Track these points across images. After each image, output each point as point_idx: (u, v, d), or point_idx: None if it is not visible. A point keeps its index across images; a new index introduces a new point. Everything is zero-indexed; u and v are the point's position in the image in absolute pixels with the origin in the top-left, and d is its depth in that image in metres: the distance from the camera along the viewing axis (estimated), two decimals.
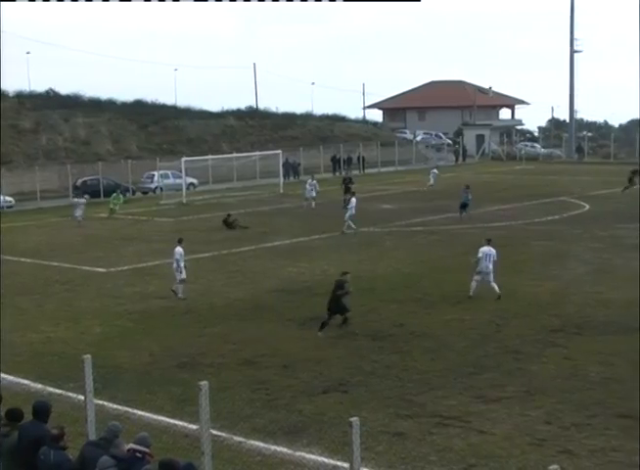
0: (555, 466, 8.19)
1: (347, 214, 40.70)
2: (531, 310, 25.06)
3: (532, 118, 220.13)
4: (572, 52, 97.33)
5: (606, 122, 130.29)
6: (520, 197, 54.20)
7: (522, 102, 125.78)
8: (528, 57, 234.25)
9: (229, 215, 44.46)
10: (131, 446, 9.93)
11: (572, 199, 53.40)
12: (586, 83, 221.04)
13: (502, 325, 23.51)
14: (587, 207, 49.73)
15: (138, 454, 9.78)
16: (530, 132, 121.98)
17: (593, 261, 32.72)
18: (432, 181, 61.74)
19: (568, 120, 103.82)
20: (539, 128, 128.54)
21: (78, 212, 47.19)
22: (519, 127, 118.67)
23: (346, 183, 53.12)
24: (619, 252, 34.52)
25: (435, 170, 64.42)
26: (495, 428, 15.98)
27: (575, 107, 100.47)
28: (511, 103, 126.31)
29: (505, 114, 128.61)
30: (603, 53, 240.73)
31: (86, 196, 55.40)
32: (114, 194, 53.66)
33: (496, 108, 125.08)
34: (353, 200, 41.49)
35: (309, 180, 53.06)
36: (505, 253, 34.62)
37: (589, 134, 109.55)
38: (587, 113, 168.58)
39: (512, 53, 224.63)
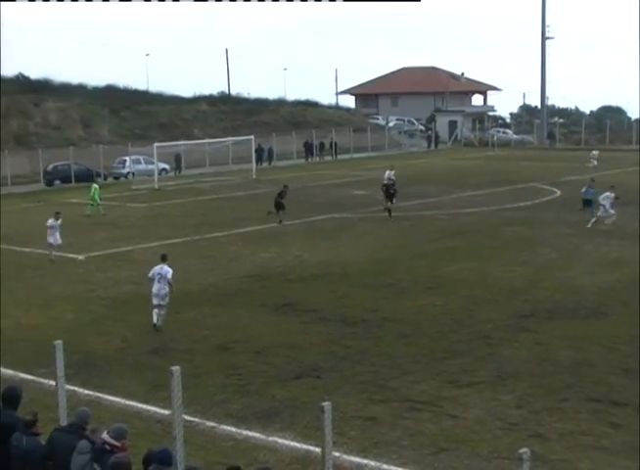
0: (525, 450, 8.23)
1: None
2: (503, 296, 25.16)
3: (504, 105, 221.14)
4: (544, 39, 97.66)
5: (577, 109, 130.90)
6: (491, 183, 54.42)
7: (494, 88, 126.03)
8: (501, 43, 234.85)
9: (285, 188, 41.18)
10: (104, 437, 9.89)
11: (544, 185, 53.66)
12: (558, 70, 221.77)
13: (474, 311, 23.61)
14: (558, 192, 49.97)
15: (107, 447, 9.75)
16: (502, 118, 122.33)
17: (564, 247, 32.89)
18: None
19: (539, 107, 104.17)
20: (511, 114, 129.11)
21: (51, 240, 32.36)
22: (491, 113, 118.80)
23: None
24: (590, 237, 34.75)
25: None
26: (467, 412, 16.07)
27: (547, 93, 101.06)
28: (483, 89, 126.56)
29: (477, 100, 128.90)
30: (574, 40, 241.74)
31: (57, 182, 54.61)
32: (95, 187, 46.16)
33: (468, 94, 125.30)
34: None
35: None
36: (476, 238, 34.92)
37: (560, 120, 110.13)
38: (558, 99, 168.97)
39: (484, 39, 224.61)
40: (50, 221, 32.35)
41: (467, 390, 17.31)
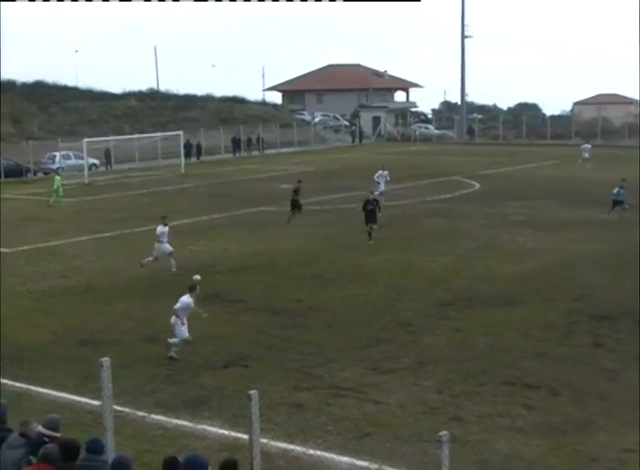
0: (444, 432, 8.36)
1: None
2: (424, 285, 25.43)
3: (426, 101, 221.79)
4: (463, 37, 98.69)
5: (495, 105, 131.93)
6: (413, 176, 54.75)
7: (416, 85, 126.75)
8: (423, 42, 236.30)
9: (299, 183, 39.06)
10: (40, 429, 9.78)
11: (463, 178, 54.20)
12: (477, 68, 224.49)
13: (396, 300, 23.83)
14: (477, 185, 50.55)
15: (46, 439, 9.64)
16: (424, 114, 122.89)
17: (482, 238, 33.32)
18: None
19: (459, 103, 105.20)
20: (432, 110, 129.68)
21: None
22: (413, 110, 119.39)
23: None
24: (507, 228, 35.26)
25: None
26: (389, 398, 16.23)
27: (466, 90, 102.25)
28: (405, 86, 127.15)
29: (400, 96, 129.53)
30: (493, 39, 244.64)
31: None
32: (57, 179, 46.38)
33: (391, 91, 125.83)
34: None
35: None
36: (399, 230, 35.17)
37: (479, 116, 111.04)
38: (478, 96, 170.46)
39: (407, 37, 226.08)
40: None
41: (389, 376, 17.49)
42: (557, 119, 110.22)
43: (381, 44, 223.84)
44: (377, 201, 34.30)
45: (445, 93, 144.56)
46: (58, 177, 47.15)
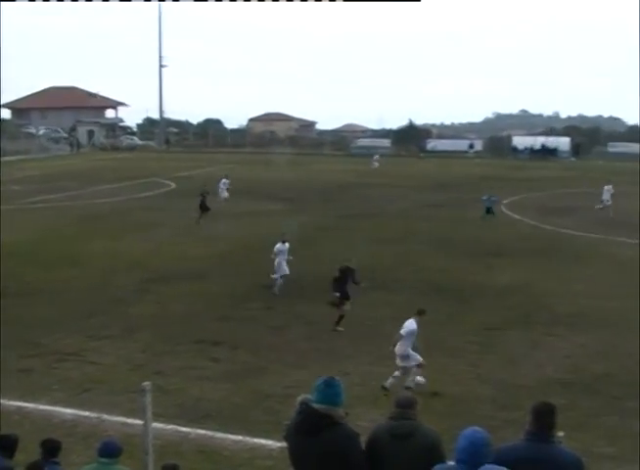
0: (147, 383, 8.32)
1: None
2: (131, 266, 24.90)
3: (132, 117, 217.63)
4: (160, 66, 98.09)
5: (187, 121, 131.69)
6: (122, 178, 53.25)
7: (123, 104, 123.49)
8: (126, 68, 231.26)
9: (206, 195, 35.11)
10: None
11: (162, 179, 53.65)
12: (174, 90, 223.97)
13: (109, 279, 23.20)
14: (173, 185, 50.27)
15: None
16: (130, 128, 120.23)
17: (178, 227, 33.12)
18: None
19: (159, 119, 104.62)
20: (137, 125, 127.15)
21: None
22: (121, 124, 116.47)
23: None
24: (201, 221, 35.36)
25: None
26: (104, 359, 15.80)
27: (164, 108, 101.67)
28: (114, 105, 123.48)
29: (110, 113, 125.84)
30: (188, 67, 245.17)
31: None
32: None
33: (103, 109, 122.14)
34: None
35: None
36: (110, 222, 34.28)
37: (175, 130, 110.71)
38: (174, 112, 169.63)
39: (116, 63, 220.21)
40: None
41: (104, 341, 17.01)
42: (236, 132, 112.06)
43: (94, 70, 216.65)
44: None
45: (148, 111, 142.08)
46: None
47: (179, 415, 12.76)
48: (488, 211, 35.79)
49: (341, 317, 17.81)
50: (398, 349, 13.86)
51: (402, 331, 13.93)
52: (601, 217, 36.20)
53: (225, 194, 40.00)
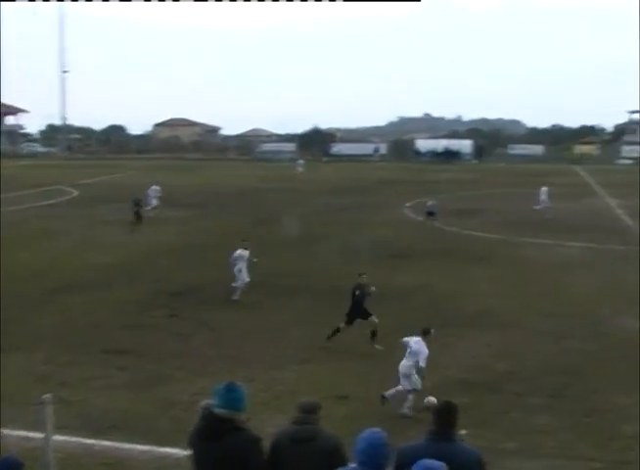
0: (47, 395, 8.15)
1: None
2: (34, 276, 24.14)
3: (33, 124, 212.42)
4: (62, 72, 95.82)
5: (90, 127, 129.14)
6: (23, 186, 51.73)
7: (23, 110, 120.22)
8: (28, 74, 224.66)
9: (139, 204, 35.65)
10: None
11: (65, 187, 52.43)
12: (75, 95, 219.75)
13: (10, 289, 22.19)
14: (76, 193, 49.18)
15: None
16: (32, 134, 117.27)
17: (81, 235, 32.42)
18: None
19: (61, 125, 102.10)
20: (40, 131, 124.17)
21: None
22: (22, 131, 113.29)
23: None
24: (100, 226, 34.68)
25: None
26: (6, 371, 15.15)
27: (67, 115, 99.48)
28: (14, 111, 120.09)
29: (10, 120, 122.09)
30: (91, 73, 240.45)
31: None
32: None
33: (2, 115, 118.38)
34: None
35: None
36: (9, 231, 33.22)
37: (78, 136, 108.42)
38: (77, 119, 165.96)
39: (9, 68, 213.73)
40: None
41: (5, 353, 16.37)
42: (140, 138, 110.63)
43: None
44: None
45: (49, 117, 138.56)
46: None
47: (84, 427, 12.43)
48: (430, 214, 35.87)
49: (373, 333, 16.72)
50: (402, 366, 13.23)
51: (412, 348, 13.17)
52: (536, 218, 37.38)
53: (154, 202, 39.24)
